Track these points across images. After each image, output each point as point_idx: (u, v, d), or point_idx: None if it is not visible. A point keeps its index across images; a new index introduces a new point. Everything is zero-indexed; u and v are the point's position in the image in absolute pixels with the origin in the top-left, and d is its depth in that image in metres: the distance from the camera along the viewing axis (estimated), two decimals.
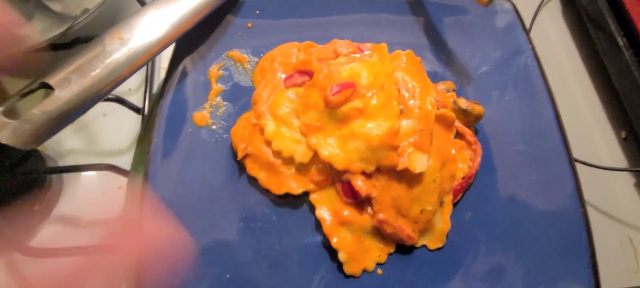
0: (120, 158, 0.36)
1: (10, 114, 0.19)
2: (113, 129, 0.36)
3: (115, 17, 0.40)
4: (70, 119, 0.20)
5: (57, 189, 0.33)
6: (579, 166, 0.31)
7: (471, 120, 0.26)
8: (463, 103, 0.26)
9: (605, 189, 0.34)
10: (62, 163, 0.35)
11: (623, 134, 0.37)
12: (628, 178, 0.35)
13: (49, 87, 0.20)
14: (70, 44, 0.34)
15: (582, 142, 0.36)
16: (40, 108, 0.19)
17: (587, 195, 0.34)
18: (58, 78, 0.20)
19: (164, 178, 0.24)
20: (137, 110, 0.35)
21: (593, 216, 0.33)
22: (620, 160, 0.36)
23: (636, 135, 0.34)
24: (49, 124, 0.19)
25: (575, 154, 0.31)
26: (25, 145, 0.18)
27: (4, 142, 0.18)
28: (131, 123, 0.36)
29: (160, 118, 0.25)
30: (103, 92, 0.21)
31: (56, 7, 0.32)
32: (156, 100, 0.26)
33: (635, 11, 0.33)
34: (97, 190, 0.34)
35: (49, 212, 0.33)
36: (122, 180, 0.33)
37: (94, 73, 0.20)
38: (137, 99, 0.36)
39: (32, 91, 0.19)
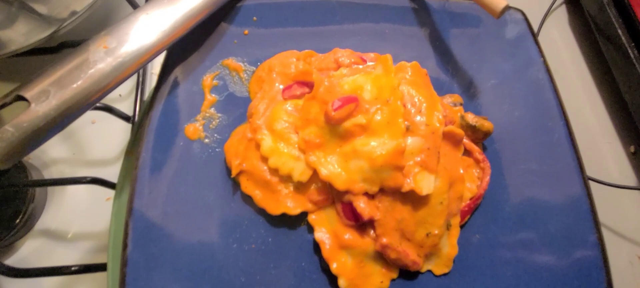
0: (108, 169, 0.34)
1: None
2: (101, 137, 0.35)
3: (105, 20, 0.39)
4: (49, 135, 0.18)
5: (41, 201, 0.32)
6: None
7: (479, 136, 0.25)
8: (471, 118, 0.24)
9: (614, 206, 0.33)
10: (46, 173, 0.33)
11: (632, 149, 0.36)
12: (637, 196, 0.34)
13: (25, 100, 0.18)
14: (57, 48, 0.32)
15: (590, 156, 0.35)
16: (13, 124, 0.17)
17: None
18: (35, 91, 0.18)
19: (152, 195, 0.22)
20: (126, 118, 0.33)
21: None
22: (629, 175, 0.35)
23: None
24: (23, 141, 0.17)
25: None
26: None
27: None
28: (120, 131, 0.35)
29: (149, 130, 0.23)
30: (85, 106, 0.19)
31: (42, 9, 0.30)
32: (146, 111, 0.24)
33: None
34: (83, 202, 0.32)
35: (33, 225, 0.31)
36: (110, 192, 0.31)
37: (75, 85, 0.19)
38: (127, 107, 0.34)
39: (6, 104, 0.18)
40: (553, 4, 0.42)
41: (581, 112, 0.38)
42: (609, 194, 0.33)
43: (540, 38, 0.40)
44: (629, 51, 0.34)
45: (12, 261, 0.30)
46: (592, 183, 0.31)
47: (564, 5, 0.43)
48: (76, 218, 0.32)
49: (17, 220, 0.29)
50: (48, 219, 0.32)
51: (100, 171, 0.34)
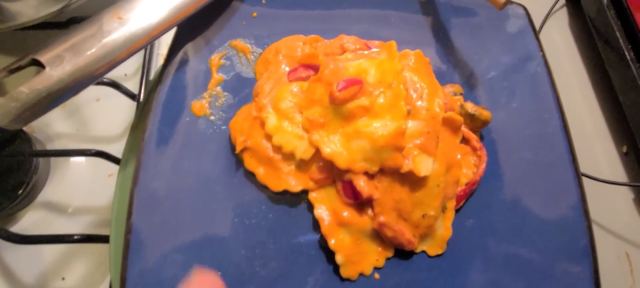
0: (112, 146, 0.34)
1: None
2: (106, 114, 0.35)
3: None
4: (61, 100, 0.18)
5: (44, 174, 0.32)
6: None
7: (478, 125, 0.25)
8: (470, 107, 0.25)
9: (604, 203, 0.34)
10: (50, 146, 0.34)
11: (624, 148, 0.37)
12: (627, 193, 0.35)
13: (40, 65, 0.18)
14: (66, 23, 0.33)
15: (583, 153, 0.36)
16: (28, 86, 0.17)
17: None
18: (50, 55, 0.18)
19: (157, 168, 0.23)
20: (132, 96, 0.34)
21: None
22: (620, 175, 0.36)
23: (638, 150, 0.34)
24: (37, 103, 0.18)
25: None
26: (9, 125, 0.17)
27: None
28: (125, 109, 0.35)
29: (156, 105, 0.24)
30: (97, 74, 0.20)
31: None
32: (153, 87, 0.25)
33: None
34: (86, 176, 0.33)
35: (34, 197, 0.32)
36: (113, 168, 0.31)
37: (89, 52, 0.19)
38: (132, 85, 0.35)
39: (21, 67, 0.18)
40: (555, 4, 0.42)
41: (577, 111, 0.39)
42: (600, 191, 0.34)
43: (541, 38, 0.41)
44: (626, 53, 0.35)
45: (13, 230, 0.30)
46: (585, 180, 0.32)
47: (565, 6, 0.44)
48: (78, 192, 0.32)
49: (20, 191, 0.30)
50: (50, 192, 0.32)
51: (104, 147, 0.34)
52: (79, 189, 0.32)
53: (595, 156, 0.37)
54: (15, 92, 0.17)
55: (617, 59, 0.36)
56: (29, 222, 0.31)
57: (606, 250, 0.33)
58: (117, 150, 0.33)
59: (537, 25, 0.41)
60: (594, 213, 0.33)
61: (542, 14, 0.42)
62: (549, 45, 0.42)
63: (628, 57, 0.34)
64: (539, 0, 0.44)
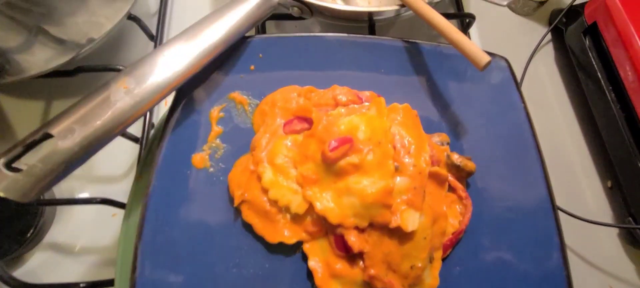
0: (116, 187, 0.36)
1: (12, 164, 0.19)
2: (110, 156, 0.36)
3: (118, 46, 0.41)
4: (71, 169, 0.20)
5: (50, 216, 0.33)
6: (564, 216, 0.32)
7: (463, 175, 0.27)
8: (456, 158, 0.27)
9: (588, 237, 0.36)
10: (56, 189, 0.35)
11: (609, 183, 0.38)
12: (612, 231, 0.36)
13: (51, 137, 0.20)
14: (73, 71, 0.34)
15: (568, 188, 0.38)
16: (42, 160, 0.19)
17: (571, 242, 0.35)
18: (61, 128, 0.20)
19: (160, 222, 0.24)
20: (135, 139, 0.35)
21: (575, 263, 0.35)
22: (605, 209, 0.37)
23: (621, 186, 0.35)
24: (50, 176, 0.19)
25: (561, 201, 0.32)
26: (24, 198, 0.18)
27: (2, 195, 0.18)
28: (128, 151, 0.37)
29: (159, 159, 0.25)
30: (105, 140, 0.21)
31: (60, 35, 0.32)
32: (156, 141, 0.26)
33: (623, 67, 0.35)
34: (90, 217, 0.34)
35: (41, 239, 0.33)
36: (117, 209, 0.33)
37: (98, 122, 0.21)
38: (135, 129, 0.36)
39: (35, 142, 0.20)
40: (541, 41, 0.44)
41: (563, 145, 0.40)
42: (584, 228, 0.35)
43: (527, 74, 0.43)
44: (607, 94, 0.36)
45: (20, 273, 0.31)
46: (569, 217, 0.33)
47: (551, 42, 0.46)
48: (83, 233, 0.34)
49: (28, 235, 0.31)
50: (56, 233, 0.33)
51: (107, 188, 0.35)
52: (84, 230, 0.34)
53: (581, 190, 0.38)
54: (30, 167, 0.18)
55: (599, 98, 0.37)
56: (35, 264, 0.32)
57: (591, 284, 0.34)
58: (120, 191, 0.35)
59: (524, 61, 0.43)
60: (579, 248, 0.35)
61: (529, 48, 0.44)
62: (536, 80, 0.44)
63: (609, 98, 0.36)
64: (526, 35, 0.46)
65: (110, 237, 0.34)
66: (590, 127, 0.41)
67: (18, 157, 0.19)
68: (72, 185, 0.35)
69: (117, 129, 0.21)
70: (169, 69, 0.24)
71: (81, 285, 0.27)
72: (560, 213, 0.26)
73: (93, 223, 0.34)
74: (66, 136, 0.20)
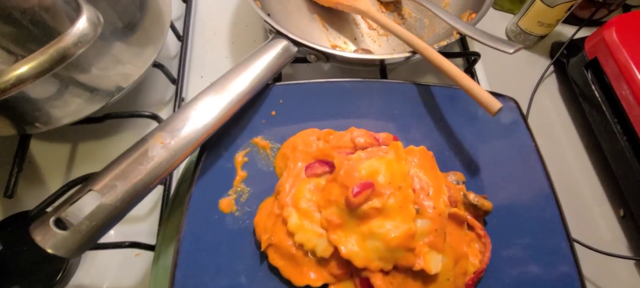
0: (139, 226, 0.37)
1: (59, 222, 0.20)
2: None
3: (142, 90, 0.43)
4: (114, 223, 0.21)
5: (77, 259, 0.34)
6: (581, 248, 0.32)
7: (480, 214, 0.28)
8: (472, 197, 0.28)
9: (606, 269, 0.36)
10: None
11: (621, 212, 0.39)
12: (629, 261, 0.37)
13: (94, 192, 0.21)
14: (102, 118, 0.36)
15: (581, 218, 0.38)
16: (88, 216, 0.20)
17: (590, 275, 0.35)
18: (103, 184, 0.21)
19: (191, 265, 0.25)
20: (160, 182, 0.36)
21: None
22: (619, 237, 0.38)
23: (633, 214, 0.36)
24: (95, 231, 0.20)
25: (576, 231, 0.33)
26: (70, 255, 0.20)
27: (51, 251, 0.19)
28: (153, 193, 0.38)
29: (189, 206, 0.27)
30: (144, 193, 0.22)
31: (91, 84, 0.34)
32: (185, 183, 0.28)
33: (626, 101, 0.36)
34: (116, 258, 0.35)
35: (68, 281, 0.34)
36: (140, 249, 0.34)
37: (137, 178, 0.22)
38: None
39: (80, 198, 0.21)
40: (544, 74, 0.46)
41: (573, 176, 0.41)
42: (601, 259, 0.36)
43: (533, 105, 0.44)
44: (612, 125, 0.38)
45: None
46: (586, 250, 0.34)
47: (554, 74, 0.48)
48: (108, 274, 0.34)
49: (56, 278, 0.32)
50: (82, 276, 0.34)
51: (130, 229, 0.36)
52: (108, 271, 0.34)
53: (594, 220, 0.39)
54: (77, 225, 0.20)
55: (605, 130, 0.38)
56: None
57: None
58: (144, 231, 0.36)
59: (530, 92, 0.45)
60: (596, 279, 0.35)
61: (532, 80, 0.46)
62: (542, 111, 0.45)
63: (615, 130, 0.37)
64: (529, 66, 0.47)
65: (135, 278, 0.34)
66: (599, 156, 0.42)
67: (68, 216, 0.20)
68: None
69: (155, 182, 0.23)
70: (200, 122, 0.25)
71: None
72: (576, 246, 0.27)
73: (117, 264, 0.35)
74: (108, 192, 0.21)
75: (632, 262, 0.36)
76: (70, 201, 0.21)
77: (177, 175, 0.35)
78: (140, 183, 0.22)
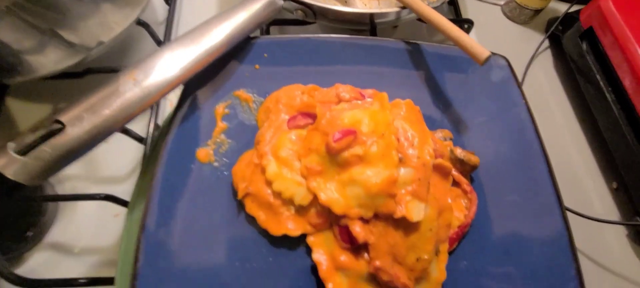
0: (119, 187, 0.36)
1: (21, 149, 0.19)
2: (114, 156, 0.37)
3: (126, 49, 0.42)
4: (79, 156, 0.20)
5: (52, 215, 0.33)
6: (572, 216, 0.31)
7: (467, 169, 0.27)
8: (459, 152, 0.27)
9: (597, 239, 0.35)
10: (60, 188, 0.35)
11: (614, 185, 0.38)
12: (620, 229, 0.36)
13: (61, 124, 0.20)
14: (82, 73, 0.35)
15: (574, 191, 0.37)
16: (51, 145, 0.19)
17: (580, 244, 0.34)
18: (71, 115, 0.20)
19: (163, 214, 0.24)
20: (139, 139, 0.35)
21: (586, 268, 0.34)
22: (612, 210, 0.37)
23: (626, 186, 0.35)
24: (58, 160, 0.19)
25: (568, 203, 0.32)
26: (31, 181, 0.19)
27: (11, 178, 0.18)
28: (132, 151, 0.37)
29: (164, 152, 0.25)
30: (113, 130, 0.21)
31: (72, 38, 0.33)
32: (162, 134, 0.27)
33: (622, 69, 0.35)
34: (93, 217, 0.34)
35: (42, 238, 0.33)
36: (118, 208, 0.33)
37: (106, 111, 0.21)
38: (140, 129, 0.37)
39: (44, 128, 0.20)
40: (538, 48, 0.45)
41: (566, 149, 0.40)
42: (593, 228, 0.35)
43: (527, 80, 0.43)
44: (607, 95, 0.37)
45: (20, 272, 0.31)
46: (576, 218, 0.33)
47: (549, 49, 0.47)
48: (84, 232, 0.33)
49: (29, 233, 0.31)
50: (57, 233, 0.33)
51: (111, 188, 0.35)
52: (86, 230, 0.33)
53: (586, 193, 0.38)
54: (38, 151, 0.19)
55: (599, 100, 0.38)
56: (36, 263, 0.32)
57: (601, 287, 0.33)
58: (124, 191, 0.35)
59: (523, 67, 0.44)
60: (589, 251, 0.34)
61: (527, 55, 0.45)
62: (536, 85, 0.44)
63: (609, 99, 0.36)
64: (524, 42, 0.47)
65: (112, 238, 0.33)
66: (592, 130, 0.41)
67: (29, 143, 0.19)
68: (75, 185, 0.35)
69: (125, 119, 0.22)
70: (176, 65, 0.24)
71: (81, 280, 0.27)
72: (567, 214, 0.26)
73: (95, 223, 0.34)
74: (75, 124, 0.20)
75: (624, 233, 0.36)
76: (33, 129, 0.20)
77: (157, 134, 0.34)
78: (109, 118, 0.21)
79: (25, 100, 0.38)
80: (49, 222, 0.33)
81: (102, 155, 0.37)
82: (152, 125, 0.36)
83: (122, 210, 0.33)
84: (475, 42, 0.26)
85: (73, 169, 0.37)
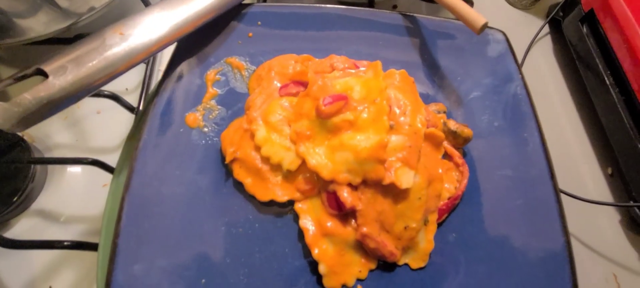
0: (109, 156, 0.35)
1: (1, 97, 0.19)
2: (105, 126, 0.36)
3: (119, 17, 0.41)
4: (61, 107, 0.20)
5: (40, 182, 0.33)
6: (565, 199, 0.31)
7: (460, 142, 0.26)
8: (452, 125, 0.26)
9: (591, 224, 0.35)
10: (48, 154, 0.35)
11: (609, 170, 0.37)
12: (613, 214, 0.35)
13: (44, 74, 0.20)
14: (72, 39, 0.35)
15: (569, 175, 0.37)
16: (32, 93, 0.19)
17: (573, 228, 0.34)
18: (54, 66, 0.20)
19: (149, 175, 0.24)
20: (131, 109, 0.35)
21: (579, 251, 0.33)
22: (607, 196, 0.36)
23: (622, 172, 0.35)
24: (38, 109, 0.19)
25: (562, 186, 0.31)
26: (10, 128, 0.18)
27: None
28: (124, 122, 0.36)
29: (152, 115, 0.25)
30: (97, 84, 0.21)
31: (63, 2, 0.33)
32: (150, 99, 0.26)
33: (622, 52, 0.35)
34: (81, 186, 0.34)
35: (29, 205, 0.32)
36: (108, 178, 0.32)
37: (90, 64, 0.20)
38: (133, 99, 0.36)
39: (26, 76, 0.19)
40: (539, 32, 0.45)
41: (562, 133, 0.40)
42: (586, 212, 0.34)
43: (526, 64, 0.43)
44: (606, 78, 0.36)
45: (5, 236, 0.31)
46: (572, 201, 0.33)
47: (549, 34, 0.47)
48: (72, 201, 0.33)
49: (16, 198, 0.30)
50: (45, 200, 0.33)
51: (101, 157, 0.35)
52: (73, 198, 0.33)
53: (581, 178, 0.37)
54: (19, 98, 0.18)
55: (597, 84, 0.37)
56: (21, 229, 0.31)
57: (594, 272, 0.33)
58: (113, 160, 0.34)
59: (523, 51, 0.43)
60: (581, 234, 0.34)
61: (527, 41, 0.44)
62: (534, 70, 0.44)
63: (608, 82, 0.36)
64: (525, 27, 0.46)
65: (100, 208, 0.33)
66: (590, 115, 0.40)
67: (7, 88, 0.19)
68: (64, 154, 0.35)
69: (110, 74, 0.21)
70: (165, 23, 0.24)
71: (65, 242, 0.26)
72: (560, 194, 0.25)
73: (83, 192, 0.33)
74: (58, 74, 0.20)
75: (617, 219, 0.35)
76: (15, 76, 0.19)
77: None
78: (93, 70, 0.21)
79: (14, 67, 0.38)
80: (38, 189, 0.33)
81: (95, 125, 0.37)
82: (144, 95, 0.35)
83: (109, 179, 0.33)
84: (472, 10, 0.25)
85: (64, 138, 0.36)
